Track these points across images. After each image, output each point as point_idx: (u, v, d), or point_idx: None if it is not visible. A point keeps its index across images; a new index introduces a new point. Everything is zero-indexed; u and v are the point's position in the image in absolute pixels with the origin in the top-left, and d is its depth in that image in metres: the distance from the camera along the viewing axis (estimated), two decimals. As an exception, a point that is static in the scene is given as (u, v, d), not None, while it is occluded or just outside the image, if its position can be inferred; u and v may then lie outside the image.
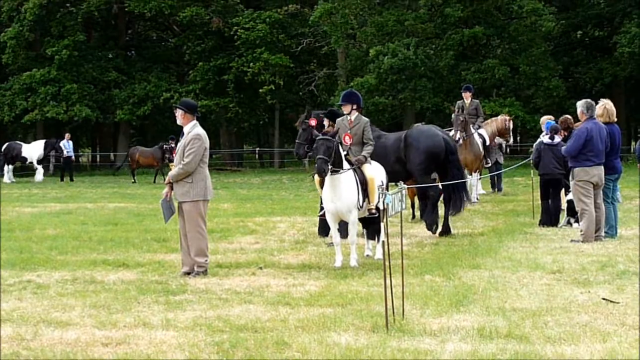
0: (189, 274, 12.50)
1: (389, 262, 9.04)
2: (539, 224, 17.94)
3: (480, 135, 24.74)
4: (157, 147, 40.91)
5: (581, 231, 15.49)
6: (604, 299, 10.11)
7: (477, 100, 26.69)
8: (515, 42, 47.49)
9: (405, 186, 12.09)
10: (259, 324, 9.18)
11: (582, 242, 15.13)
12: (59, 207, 25.31)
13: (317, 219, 17.23)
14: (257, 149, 70.09)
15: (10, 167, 41.08)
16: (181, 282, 11.95)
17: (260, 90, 51.00)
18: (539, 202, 18.54)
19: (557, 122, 19.04)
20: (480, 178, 24.88)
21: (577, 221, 16.71)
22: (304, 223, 17.66)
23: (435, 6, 48.31)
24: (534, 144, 20.21)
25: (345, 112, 14.35)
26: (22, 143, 42.51)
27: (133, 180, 40.04)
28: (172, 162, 31.55)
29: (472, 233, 17.23)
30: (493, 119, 27.28)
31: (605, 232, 15.71)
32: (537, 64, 45.84)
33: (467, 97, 25.60)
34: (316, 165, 12.81)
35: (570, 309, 9.67)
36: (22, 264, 13.73)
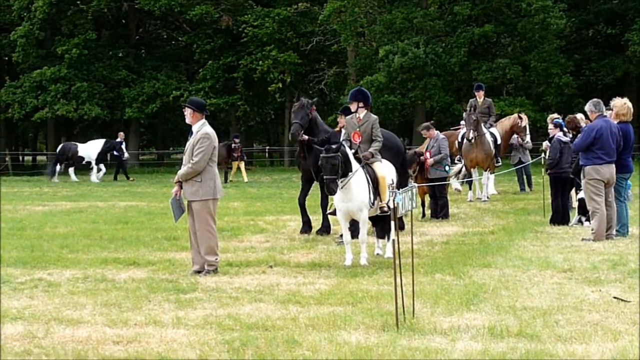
0: (199, 272, 12.51)
1: (400, 261, 9.04)
2: (550, 223, 17.90)
3: (492, 134, 24.70)
4: (222, 145, 36.07)
5: (592, 230, 15.45)
6: (615, 297, 10.09)
7: (490, 99, 26.65)
8: (526, 40, 47.36)
9: (416, 185, 12.03)
10: (269, 323, 9.19)
11: (593, 240, 15.09)
12: (69, 206, 25.36)
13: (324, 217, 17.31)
14: (267, 147, 70.15)
15: (72, 168, 39.77)
16: (192, 281, 11.97)
17: (269, 88, 51.04)
18: (550, 200, 18.49)
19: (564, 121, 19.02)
20: (490, 176, 24.83)
21: (588, 220, 16.67)
22: (314, 222, 17.65)
23: (445, 4, 48.25)
24: (545, 143, 20.16)
25: (352, 110, 14.28)
26: (77, 143, 41.04)
27: None
28: (236, 160, 31.60)
29: (482, 232, 17.19)
30: (506, 117, 27.28)
31: (616, 231, 15.67)
32: (548, 60, 45.73)
33: (479, 95, 25.58)
34: (325, 185, 12.84)
35: (581, 307, 9.66)
36: (33, 262, 13.77)
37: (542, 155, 19.79)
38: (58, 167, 39.88)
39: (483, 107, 25.27)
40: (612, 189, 15.64)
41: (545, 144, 20.59)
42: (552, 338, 8.31)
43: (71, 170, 39.72)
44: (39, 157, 70.46)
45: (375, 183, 13.32)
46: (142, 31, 60.72)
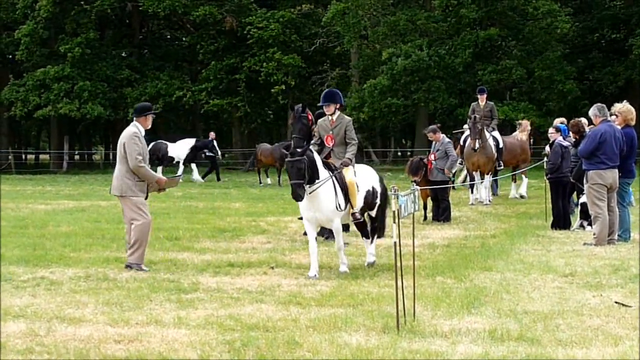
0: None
1: (401, 263, 9.05)
2: (551, 227, 17.90)
3: (494, 138, 24.74)
4: (278, 145, 34.95)
5: (594, 234, 15.46)
6: (616, 302, 10.09)
7: (492, 103, 26.68)
8: (531, 45, 47.34)
9: (418, 187, 11.98)
10: (270, 323, 9.20)
11: (595, 245, 15.10)
12: (72, 205, 25.39)
13: None
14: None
15: (159, 168, 38.06)
16: (193, 281, 11.99)
17: (272, 90, 51.08)
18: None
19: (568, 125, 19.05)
20: (491, 180, 24.86)
21: (590, 224, 16.68)
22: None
23: (450, 6, 48.27)
24: (548, 147, 20.18)
25: (328, 113, 13.77)
26: (167, 142, 39.72)
27: (259, 182, 36.03)
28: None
29: (484, 235, 17.21)
30: (518, 130, 27.33)
31: (618, 236, 15.66)
32: (551, 67, 45.69)
33: (482, 99, 25.61)
34: (291, 191, 12.16)
35: (582, 312, 9.66)
36: (35, 261, 13.80)
37: (545, 159, 19.78)
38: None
39: (485, 111, 25.29)
40: (615, 194, 15.65)
41: (547, 148, 20.63)
42: (553, 342, 8.32)
43: (159, 170, 38.25)
44: (41, 156, 70.52)
45: (344, 190, 12.65)
46: (145, 31, 60.80)
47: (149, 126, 13.57)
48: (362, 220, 13.09)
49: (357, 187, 12.84)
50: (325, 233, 16.47)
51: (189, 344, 8.40)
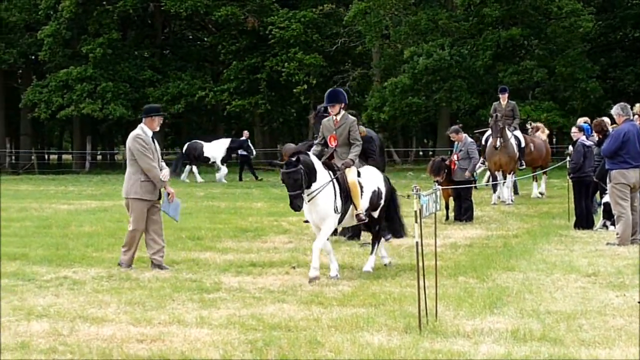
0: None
1: (423, 263, 9.04)
2: (574, 227, 17.82)
3: (516, 137, 24.66)
4: (302, 144, 35.88)
5: (617, 234, 15.38)
6: (639, 302, 10.04)
7: (514, 102, 26.59)
8: (553, 43, 47.13)
9: (440, 187, 11.92)
10: (292, 323, 9.21)
11: (618, 245, 15.02)
12: (94, 205, 25.50)
13: None
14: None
15: (195, 167, 38.48)
16: (215, 281, 12.02)
17: (294, 90, 51.12)
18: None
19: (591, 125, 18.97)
20: (513, 180, 24.79)
21: (613, 224, 16.59)
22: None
23: (472, 6, 48.14)
24: (570, 147, 20.11)
25: (333, 113, 13.36)
26: (203, 142, 39.31)
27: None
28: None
29: (506, 235, 17.15)
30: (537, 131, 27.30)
31: (641, 235, 15.59)
32: (574, 65, 45.48)
33: (503, 98, 25.53)
34: (289, 202, 11.91)
35: (605, 312, 9.62)
36: (58, 260, 13.88)
37: (567, 159, 19.72)
38: (187, 167, 38.45)
39: (507, 110, 25.21)
40: (638, 193, 15.56)
41: (570, 148, 20.56)
42: (576, 342, 8.28)
43: (195, 169, 38.49)
44: (64, 156, 70.85)
45: (345, 192, 12.41)
46: (167, 31, 60.97)
47: (157, 128, 13.60)
48: (366, 220, 12.89)
49: (362, 187, 12.67)
50: (347, 233, 16.47)
51: (211, 344, 8.42)
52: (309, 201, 12.01)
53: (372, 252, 13.14)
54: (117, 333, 8.89)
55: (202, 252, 15.00)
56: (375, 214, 13.09)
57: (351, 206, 12.52)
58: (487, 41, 45.86)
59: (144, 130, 13.42)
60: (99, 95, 51.55)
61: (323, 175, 12.19)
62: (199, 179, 37.91)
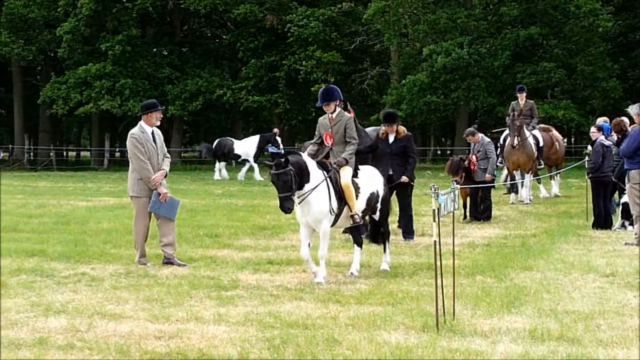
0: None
1: (440, 262, 9.03)
2: (593, 227, 17.77)
3: (535, 137, 24.57)
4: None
5: (636, 234, 15.32)
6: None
7: (532, 101, 26.50)
8: (572, 43, 46.95)
9: (458, 186, 11.88)
10: (310, 321, 9.22)
11: (637, 245, 14.96)
12: (112, 202, 25.58)
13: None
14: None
15: (223, 164, 38.46)
16: (233, 278, 12.04)
17: (312, 89, 51.12)
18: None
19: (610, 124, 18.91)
20: (532, 179, 24.70)
21: (631, 224, 16.54)
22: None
23: (491, 5, 48.01)
24: (589, 146, 20.04)
25: (329, 112, 12.99)
26: (233, 139, 39.37)
27: None
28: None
29: (524, 234, 17.11)
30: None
31: (660, 236, 15.51)
32: (594, 64, 45.30)
33: (521, 98, 25.46)
34: (279, 204, 11.56)
35: (623, 312, 9.59)
36: (76, 257, 13.95)
37: (586, 158, 19.66)
38: (217, 164, 38.45)
39: (525, 109, 25.13)
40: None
41: (589, 147, 20.49)
42: (594, 342, 8.26)
43: (223, 166, 38.49)
44: (82, 153, 71.08)
45: (339, 193, 12.07)
46: (186, 29, 61.08)
47: (155, 123, 13.65)
48: (362, 223, 12.59)
49: (359, 189, 12.35)
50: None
51: (228, 341, 8.44)
52: (299, 203, 11.69)
53: (385, 250, 12.97)
54: (135, 329, 8.93)
55: (219, 250, 15.03)
56: (376, 217, 12.91)
57: (346, 207, 12.18)
58: (505, 40, 45.75)
59: (142, 128, 13.54)
60: (118, 92, 51.70)
61: (317, 175, 11.89)
62: (217, 175, 38.05)
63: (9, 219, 19.70)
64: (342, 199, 12.11)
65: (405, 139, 16.22)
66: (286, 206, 11.41)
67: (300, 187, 11.61)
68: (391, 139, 16.17)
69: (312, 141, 13.61)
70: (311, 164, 11.92)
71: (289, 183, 11.37)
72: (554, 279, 11.74)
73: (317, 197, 11.75)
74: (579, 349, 8.01)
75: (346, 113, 13.15)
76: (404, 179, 15.96)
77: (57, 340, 8.54)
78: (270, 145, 37.65)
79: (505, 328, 8.82)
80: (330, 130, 12.86)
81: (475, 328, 8.82)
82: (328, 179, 11.98)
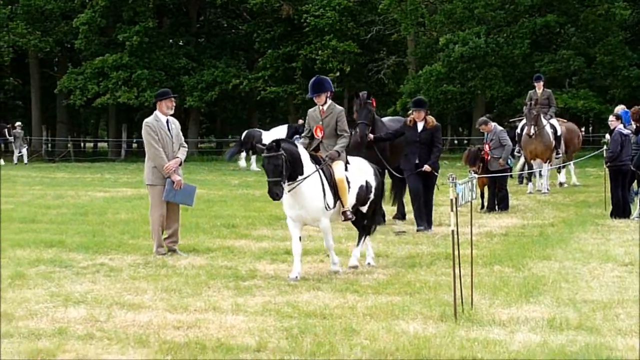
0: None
1: (458, 252, 9.02)
2: (611, 216, 17.70)
3: (552, 126, 24.46)
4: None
5: (654, 223, 15.27)
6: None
7: (549, 90, 26.39)
8: (590, 31, 46.70)
9: (476, 176, 11.81)
10: (328, 311, 9.24)
11: (655, 234, 14.93)
12: (130, 192, 25.67)
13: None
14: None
15: (244, 154, 38.56)
16: (250, 268, 12.07)
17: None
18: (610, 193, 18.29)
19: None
20: (550, 169, 24.62)
21: (650, 213, 16.49)
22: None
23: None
24: (608, 135, 19.97)
25: (319, 103, 12.58)
26: (261, 130, 39.34)
27: None
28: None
29: (542, 224, 17.07)
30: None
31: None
32: (613, 53, 45.03)
33: (539, 87, 25.34)
34: (267, 189, 11.22)
35: (642, 301, 9.57)
36: (95, 247, 14.00)
37: (604, 147, 19.57)
38: (244, 154, 38.58)
39: (542, 99, 25.01)
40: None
41: (607, 136, 20.41)
42: (612, 331, 8.25)
43: (253, 158, 38.41)
44: (100, 144, 71.23)
45: (334, 187, 11.77)
46: (202, 20, 61.08)
47: (168, 111, 13.71)
48: (354, 219, 12.21)
49: (349, 183, 12.01)
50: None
51: (247, 331, 8.46)
52: (289, 191, 11.30)
53: (357, 244, 12.51)
54: (153, 319, 8.96)
55: (237, 240, 15.06)
56: (364, 209, 12.47)
57: (338, 202, 11.86)
58: (523, 28, 45.56)
59: (156, 117, 13.66)
60: (135, 83, 51.78)
61: (310, 168, 11.57)
62: (243, 163, 38.26)
63: (28, 210, 19.82)
64: (336, 194, 11.82)
65: (434, 129, 16.25)
66: (274, 191, 11.02)
67: (293, 178, 11.28)
68: (420, 127, 16.19)
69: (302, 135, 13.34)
70: (305, 156, 11.60)
71: (279, 167, 11.00)
72: (572, 269, 11.71)
73: (310, 190, 11.45)
74: (597, 338, 7.99)
75: (337, 106, 12.73)
76: (427, 167, 15.94)
77: (77, 330, 8.59)
78: (297, 136, 37.62)
79: (523, 317, 8.81)
80: (320, 122, 12.49)
81: (493, 318, 8.82)
82: (321, 172, 11.68)
